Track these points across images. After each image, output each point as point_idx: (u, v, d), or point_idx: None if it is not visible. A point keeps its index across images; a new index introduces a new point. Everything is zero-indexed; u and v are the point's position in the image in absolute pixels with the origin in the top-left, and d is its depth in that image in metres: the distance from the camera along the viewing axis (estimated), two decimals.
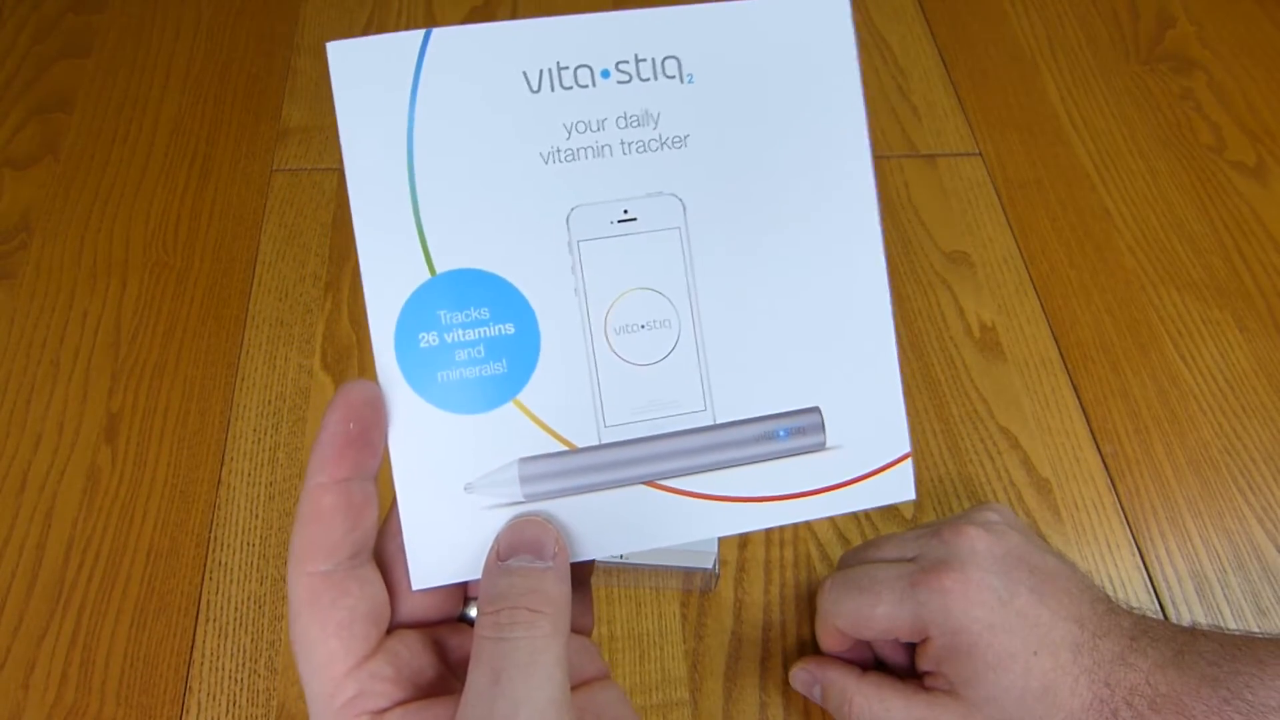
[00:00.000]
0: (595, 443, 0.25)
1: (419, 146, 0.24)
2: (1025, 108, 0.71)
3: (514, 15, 0.75)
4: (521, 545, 0.24)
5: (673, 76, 0.25)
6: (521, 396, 0.24)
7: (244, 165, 0.66)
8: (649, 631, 0.47)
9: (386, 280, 0.24)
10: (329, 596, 0.23)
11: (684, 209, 0.25)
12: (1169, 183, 0.67)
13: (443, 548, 0.24)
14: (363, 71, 0.24)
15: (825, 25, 0.25)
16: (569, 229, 0.25)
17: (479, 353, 0.24)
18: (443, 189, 0.24)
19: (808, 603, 0.48)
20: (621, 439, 0.25)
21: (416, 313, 0.24)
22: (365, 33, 0.73)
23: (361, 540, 0.23)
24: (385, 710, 0.23)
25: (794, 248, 0.26)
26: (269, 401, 0.54)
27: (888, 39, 0.76)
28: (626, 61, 0.25)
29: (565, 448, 0.25)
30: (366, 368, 0.56)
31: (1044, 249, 0.63)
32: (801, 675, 0.42)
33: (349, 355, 0.56)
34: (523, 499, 0.24)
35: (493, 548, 0.24)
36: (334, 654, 0.23)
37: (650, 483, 0.25)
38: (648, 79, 0.25)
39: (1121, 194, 0.66)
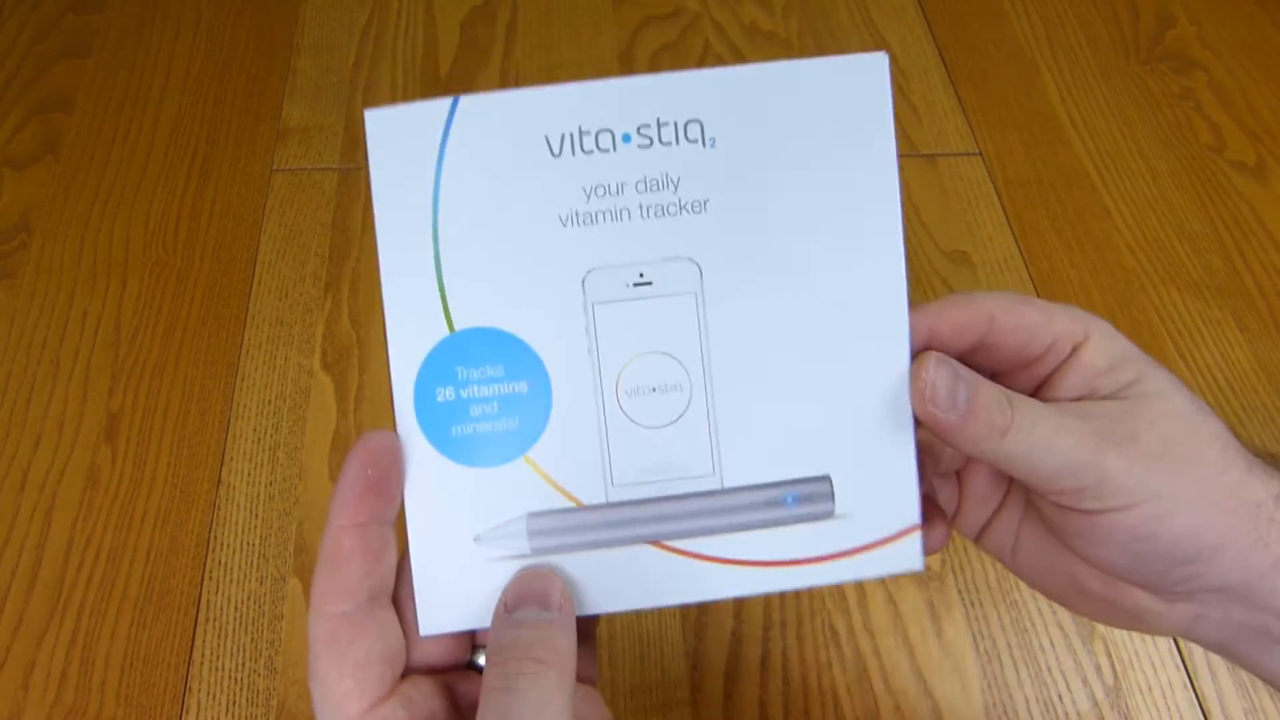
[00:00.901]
0: (603, 501, 0.25)
1: (443, 208, 0.25)
2: (1025, 108, 0.71)
3: (514, 17, 0.75)
4: (529, 597, 0.24)
5: (695, 141, 0.25)
6: (532, 453, 0.25)
7: (244, 165, 0.66)
8: (649, 631, 0.47)
9: (408, 335, 0.25)
10: (346, 637, 0.23)
11: (700, 274, 0.25)
12: (1169, 183, 0.67)
13: (452, 596, 0.25)
14: (395, 137, 0.24)
15: (861, 89, 0.25)
16: (584, 291, 0.25)
17: (493, 409, 0.25)
18: (464, 249, 0.25)
19: (808, 602, 0.48)
20: (628, 499, 0.25)
21: (435, 368, 0.25)
22: (365, 33, 0.73)
23: (379, 584, 0.24)
24: None
25: (813, 315, 0.25)
26: (269, 401, 0.54)
27: (888, 39, 0.76)
28: (648, 126, 0.25)
29: (573, 504, 0.25)
30: (366, 368, 0.56)
31: (1044, 249, 0.63)
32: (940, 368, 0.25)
33: (349, 355, 0.56)
34: (530, 552, 0.25)
35: (501, 599, 0.24)
36: (349, 694, 0.23)
37: (655, 542, 0.25)
38: (669, 143, 0.25)
39: (1121, 194, 0.66)
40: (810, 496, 0.25)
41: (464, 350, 0.25)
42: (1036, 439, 0.24)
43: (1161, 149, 0.69)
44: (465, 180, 0.25)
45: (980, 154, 0.68)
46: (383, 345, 0.60)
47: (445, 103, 0.24)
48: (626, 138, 0.25)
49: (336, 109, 0.69)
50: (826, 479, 0.25)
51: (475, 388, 0.25)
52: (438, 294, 0.25)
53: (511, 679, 0.22)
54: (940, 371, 0.25)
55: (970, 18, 0.78)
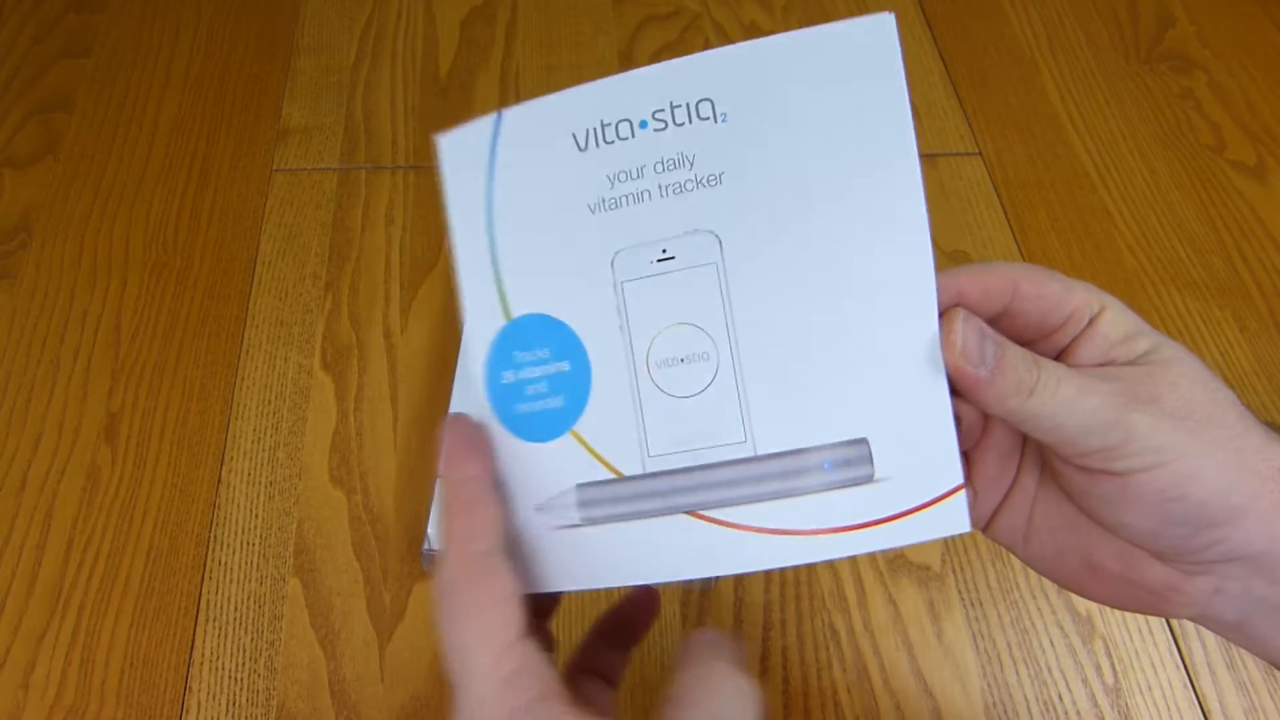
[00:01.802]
0: (640, 472, 0.26)
1: (496, 210, 0.27)
2: (1025, 108, 0.71)
3: (513, 17, 0.75)
4: None
5: (706, 118, 0.26)
6: (577, 427, 0.27)
7: (244, 165, 0.66)
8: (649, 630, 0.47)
9: (479, 326, 0.28)
10: (490, 574, 0.24)
11: (720, 244, 0.26)
12: (1169, 183, 0.67)
13: (523, 561, 0.27)
14: (459, 155, 0.28)
15: (870, 50, 0.25)
16: (614, 272, 0.26)
17: (542, 388, 0.27)
18: (513, 244, 0.27)
19: (808, 602, 0.48)
20: (664, 469, 0.26)
21: (499, 353, 0.27)
22: (365, 32, 0.73)
23: (503, 534, 0.25)
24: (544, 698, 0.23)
25: (836, 279, 0.25)
26: (269, 401, 0.54)
27: None
28: (662, 110, 0.26)
29: (614, 475, 0.26)
30: (366, 368, 0.56)
31: (1044, 249, 0.63)
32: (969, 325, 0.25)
33: (349, 355, 0.56)
34: (580, 522, 0.26)
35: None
36: (497, 625, 0.23)
37: (694, 513, 0.26)
38: (682, 123, 0.26)
39: (1121, 194, 0.66)
40: (848, 461, 0.25)
41: (519, 335, 0.27)
42: (1062, 397, 0.24)
43: (1161, 149, 0.69)
44: (511, 183, 0.27)
45: (980, 154, 0.68)
46: (382, 345, 0.60)
47: (492, 117, 0.27)
48: (643, 124, 0.26)
49: (336, 109, 0.69)
50: (864, 442, 0.25)
51: (529, 369, 0.27)
52: (495, 287, 0.27)
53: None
54: (968, 327, 0.25)
55: (970, 18, 0.78)
